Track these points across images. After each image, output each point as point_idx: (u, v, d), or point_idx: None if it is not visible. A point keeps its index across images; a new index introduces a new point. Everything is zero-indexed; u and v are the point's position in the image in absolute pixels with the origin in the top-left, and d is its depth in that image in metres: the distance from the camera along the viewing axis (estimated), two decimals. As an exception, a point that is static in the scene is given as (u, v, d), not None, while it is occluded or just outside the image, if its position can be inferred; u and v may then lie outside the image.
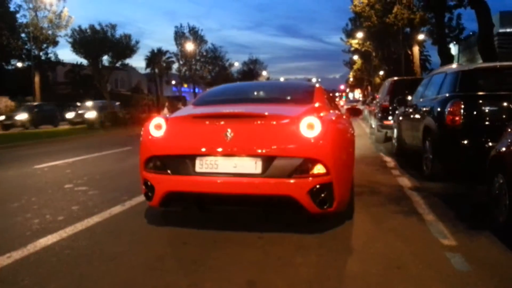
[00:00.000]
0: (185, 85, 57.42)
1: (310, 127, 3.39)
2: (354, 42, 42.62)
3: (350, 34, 46.10)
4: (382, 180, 5.96)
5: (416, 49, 27.62)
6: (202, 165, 3.48)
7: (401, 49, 29.51)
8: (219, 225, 3.94)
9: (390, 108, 10.51)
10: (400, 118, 8.21)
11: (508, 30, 36.84)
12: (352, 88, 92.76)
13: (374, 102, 14.89)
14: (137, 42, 31.78)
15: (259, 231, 3.65)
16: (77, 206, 4.75)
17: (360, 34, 38.29)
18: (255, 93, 5.06)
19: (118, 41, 30.50)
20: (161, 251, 3.28)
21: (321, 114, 3.75)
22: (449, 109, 5.23)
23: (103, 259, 3.13)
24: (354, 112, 5.76)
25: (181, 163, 3.54)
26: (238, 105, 4.23)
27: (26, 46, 34.72)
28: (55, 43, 34.43)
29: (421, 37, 27.89)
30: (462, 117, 5.12)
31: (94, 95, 36.95)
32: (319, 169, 3.36)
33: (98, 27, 30.28)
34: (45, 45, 34.15)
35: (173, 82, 56.75)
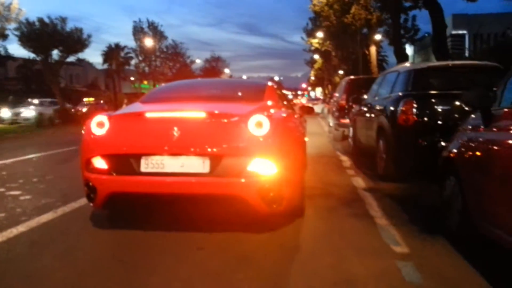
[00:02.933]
0: (145, 82, 56.01)
1: (259, 125, 3.30)
2: (314, 41, 42.92)
3: (310, 34, 46.36)
4: (336, 181, 5.80)
5: (373, 49, 27.99)
6: (147, 164, 3.34)
7: (359, 49, 29.92)
8: (158, 230, 3.61)
9: (346, 106, 10.48)
10: (355, 117, 8.13)
11: (460, 32, 38.28)
12: (314, 86, 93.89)
13: (332, 100, 14.89)
14: (89, 36, 30.40)
15: (201, 239, 3.36)
16: (3, 213, 4.26)
17: (320, 34, 38.53)
18: (206, 90, 4.88)
19: (69, 34, 29.07)
20: (84, 267, 2.91)
21: (271, 112, 3.66)
22: (401, 108, 5.12)
23: (17, 277, 2.73)
24: (306, 110, 5.65)
25: (125, 163, 3.39)
26: (187, 103, 4.02)
27: (-29, 39, 32.76)
28: (4, 37, 32.55)
29: (378, 37, 28.31)
30: (414, 116, 5.02)
31: (47, 91, 35.28)
32: (267, 168, 3.29)
33: (47, 20, 28.76)
34: (-8, 39, 32.27)
35: (132, 78, 55.20)
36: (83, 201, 4.65)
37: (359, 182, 5.69)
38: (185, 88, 5.16)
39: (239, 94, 4.54)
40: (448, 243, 3.26)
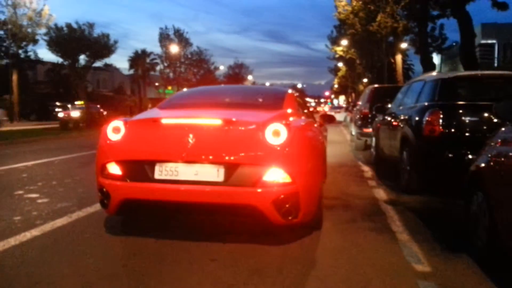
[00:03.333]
0: (170, 87, 56.69)
1: (276, 134, 3.21)
2: (338, 49, 42.66)
3: (335, 41, 46.14)
4: (357, 192, 5.62)
5: (399, 58, 27.57)
6: (161, 171, 3.27)
7: (385, 57, 29.51)
8: (171, 238, 3.53)
9: (370, 115, 10.25)
10: (379, 126, 7.91)
11: (489, 41, 37.34)
12: (337, 94, 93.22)
13: (355, 109, 14.65)
14: (115, 42, 31.04)
15: (214, 250, 3.26)
16: (19, 216, 4.27)
17: (344, 42, 38.28)
18: (225, 97, 4.77)
19: (96, 40, 29.71)
20: (93, 274, 2.84)
21: (289, 121, 3.55)
22: (427, 118, 4.91)
23: (25, 283, 2.69)
24: (327, 118, 5.50)
25: (139, 169, 3.32)
26: (203, 110, 3.94)
27: (4, 44, 33.80)
28: (34, 42, 33.53)
29: (404, 45, 27.90)
30: (440, 127, 4.80)
31: (75, 95, 36.05)
32: (284, 178, 3.19)
33: (75, 26, 29.47)
34: (24, 43, 33.23)
35: (157, 84, 55.99)
36: (98, 206, 4.60)
37: (381, 194, 5.50)
38: (204, 94, 5.10)
39: (258, 101, 4.46)
40: (474, 263, 3.06)
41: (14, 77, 32.18)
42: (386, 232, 3.81)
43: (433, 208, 4.84)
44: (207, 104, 4.26)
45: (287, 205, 3.16)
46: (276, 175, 3.17)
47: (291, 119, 3.70)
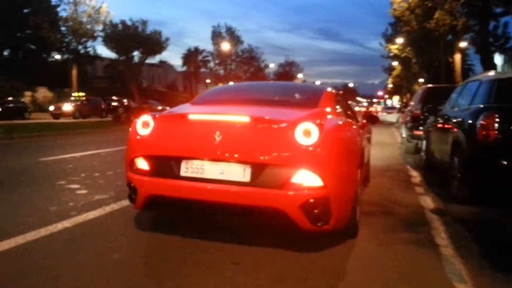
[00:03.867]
0: (220, 84, 57.49)
1: (307, 133, 3.00)
2: (393, 47, 41.21)
3: (389, 39, 44.56)
4: (402, 198, 5.26)
5: (457, 57, 26.11)
6: (187, 168, 3.17)
7: (442, 56, 28.12)
8: (197, 237, 3.43)
9: (422, 117, 9.71)
10: (430, 128, 7.44)
11: (560, 41, 34.54)
12: (391, 94, 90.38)
13: (406, 110, 14.00)
14: (167, 39, 31.79)
15: (238, 253, 3.12)
16: (56, 206, 4.34)
17: (400, 40, 36.93)
18: (259, 94, 4.58)
19: (148, 37, 30.58)
20: (114, 271, 2.78)
21: (323, 120, 3.29)
22: (481, 122, 4.49)
23: (44, 277, 2.67)
24: (370, 119, 5.18)
25: (166, 165, 3.23)
26: (234, 106, 3.79)
27: (65, 40, 35.59)
28: (93, 38, 35.10)
29: (463, 44, 26.38)
30: (495, 132, 4.38)
31: (128, 90, 37.36)
32: (314, 181, 2.97)
33: (129, 23, 30.49)
34: (84, 39, 34.84)
35: (207, 80, 56.92)
36: (132, 200, 4.66)
37: (428, 202, 5.12)
38: (238, 90, 4.96)
39: (293, 98, 4.26)
40: (529, 287, 2.71)
41: (74, 72, 33.82)
42: (429, 245, 3.49)
43: (484, 220, 4.41)
44: (239, 100, 4.11)
45: (316, 210, 2.95)
46: (305, 178, 2.96)
47: (325, 118, 3.47)
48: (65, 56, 36.88)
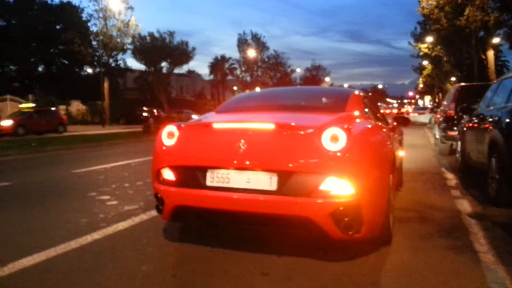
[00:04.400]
0: (247, 91, 57.77)
1: (334, 139, 2.93)
2: (423, 46, 40.25)
3: (419, 38, 43.62)
4: (437, 203, 5.05)
5: (491, 54, 25.24)
6: (213, 178, 3.13)
7: (475, 53, 27.25)
8: (225, 247, 3.38)
9: (456, 117, 9.38)
10: (465, 129, 7.16)
11: None
12: (422, 94, 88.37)
13: (439, 110, 13.58)
14: (193, 49, 32.21)
15: (267, 263, 3.04)
16: (87, 218, 4.39)
17: (429, 38, 36.09)
18: (284, 100, 4.51)
19: (176, 47, 31.03)
20: (141, 286, 2.74)
21: (351, 124, 3.20)
22: (520, 120, 4.26)
23: (74, 291, 2.67)
24: (401, 121, 5.06)
25: (191, 175, 3.21)
26: (259, 113, 3.78)
27: (96, 53, 36.62)
28: (123, 51, 35.98)
29: (496, 40, 25.45)
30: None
31: (157, 101, 38.02)
32: (343, 188, 2.87)
33: (157, 34, 31.06)
34: (114, 53, 35.74)
35: (235, 88, 57.31)
36: (161, 210, 4.66)
37: (465, 205, 4.89)
38: (262, 97, 4.93)
39: (319, 103, 4.20)
40: None
41: (106, 85, 34.69)
42: (468, 252, 3.30)
43: (528, 224, 4.17)
44: (264, 107, 4.08)
45: (347, 218, 2.85)
46: (334, 185, 2.86)
47: (353, 122, 3.36)
48: (97, 70, 37.91)
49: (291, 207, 2.88)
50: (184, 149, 3.32)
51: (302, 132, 3.04)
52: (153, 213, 4.50)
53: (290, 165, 2.93)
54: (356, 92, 4.36)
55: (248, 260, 3.13)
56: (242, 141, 3.06)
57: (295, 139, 3.02)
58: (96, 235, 3.79)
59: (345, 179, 2.87)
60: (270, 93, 5.37)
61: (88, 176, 7.42)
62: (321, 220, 2.84)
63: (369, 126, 3.59)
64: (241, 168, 3.05)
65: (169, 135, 3.43)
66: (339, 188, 2.87)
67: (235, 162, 3.06)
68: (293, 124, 3.12)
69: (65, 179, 7.19)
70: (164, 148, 3.43)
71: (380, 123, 4.27)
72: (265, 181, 2.97)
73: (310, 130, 3.02)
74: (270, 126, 3.09)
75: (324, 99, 4.30)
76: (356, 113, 3.74)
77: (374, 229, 3.09)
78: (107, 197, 5.49)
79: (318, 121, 3.19)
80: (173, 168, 3.32)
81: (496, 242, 3.51)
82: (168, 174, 3.36)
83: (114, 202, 5.15)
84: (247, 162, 3.03)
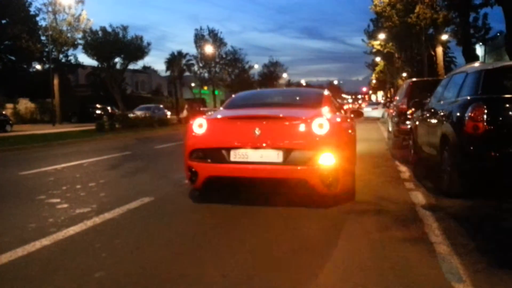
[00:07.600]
0: (205, 88, 57.12)
1: (320, 126, 4.33)
2: (375, 43, 41.36)
3: (372, 36, 44.78)
4: (392, 195, 5.17)
5: (439, 50, 26.34)
6: (235, 155, 4.42)
7: (424, 50, 28.31)
8: (184, 252, 3.27)
9: (408, 112, 9.67)
10: (417, 123, 7.38)
11: (539, 30, 35.04)
12: (375, 90, 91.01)
13: (392, 105, 13.99)
14: (148, 44, 31.40)
15: (227, 265, 2.97)
16: (35, 223, 4.14)
17: (382, 35, 37.12)
18: (275, 98, 6.27)
19: (129, 43, 30.10)
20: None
21: (329, 116, 4.63)
22: (469, 114, 4.42)
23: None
24: (355, 113, 6.58)
25: (219, 154, 4.47)
26: (263, 108, 5.16)
27: (46, 49, 34.90)
28: (74, 46, 34.48)
29: (444, 37, 26.59)
30: (484, 124, 4.31)
31: (114, 98, 36.85)
32: (327, 159, 4.26)
33: (109, 29, 30.00)
34: (64, 48, 34.21)
35: (193, 84, 56.56)
36: (117, 212, 4.51)
37: (419, 197, 5.03)
38: (258, 96, 6.66)
39: (302, 101, 5.75)
40: (529, 283, 2.61)
41: (56, 81, 33.15)
42: (423, 243, 3.38)
43: (478, 215, 4.32)
44: (263, 104, 5.55)
45: (330, 179, 4.29)
46: (321, 157, 4.24)
47: (329, 115, 4.74)
48: (46, 66, 36.18)
49: (292, 172, 4.30)
50: (213, 135, 4.58)
51: (298, 122, 4.43)
52: (107, 215, 4.36)
53: (291, 144, 4.31)
54: (326, 92, 5.91)
55: (208, 263, 3.05)
56: (257, 128, 4.35)
57: (294, 126, 4.42)
58: (45, 241, 3.57)
59: (328, 153, 4.25)
60: (263, 93, 7.28)
61: (36, 178, 7.03)
62: (313, 180, 4.28)
63: (340, 117, 5.05)
64: (256, 147, 4.34)
65: (199, 126, 4.65)
66: (325, 159, 4.25)
67: (252, 143, 4.34)
68: (292, 116, 4.57)
69: (11, 181, 6.79)
70: (195, 135, 4.64)
71: (345, 115, 5.80)
72: (274, 156, 4.32)
73: (303, 120, 4.40)
74: (276, 118, 4.53)
75: (305, 98, 5.84)
76: (329, 108, 5.13)
77: (346, 187, 4.61)
78: (57, 200, 5.21)
79: (307, 114, 4.57)
80: (205, 149, 4.56)
81: (450, 233, 3.61)
82: (200, 154, 4.58)
83: (65, 205, 4.90)
84: (261, 143, 4.32)
